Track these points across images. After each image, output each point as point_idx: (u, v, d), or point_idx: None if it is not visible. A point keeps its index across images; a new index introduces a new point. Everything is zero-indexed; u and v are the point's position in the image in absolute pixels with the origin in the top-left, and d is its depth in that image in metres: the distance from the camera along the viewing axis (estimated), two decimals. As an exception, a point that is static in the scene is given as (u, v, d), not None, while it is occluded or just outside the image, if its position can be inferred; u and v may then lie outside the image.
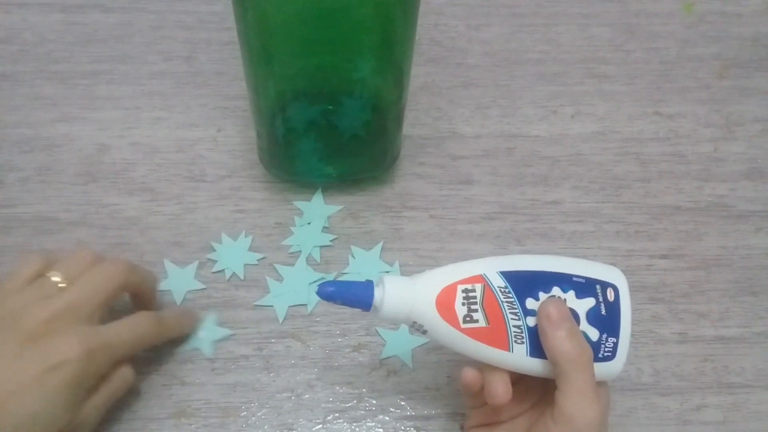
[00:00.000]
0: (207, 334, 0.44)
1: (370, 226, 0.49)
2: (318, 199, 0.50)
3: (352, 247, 0.48)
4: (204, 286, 0.46)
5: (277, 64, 0.41)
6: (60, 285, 0.37)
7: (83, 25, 0.58)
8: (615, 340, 0.36)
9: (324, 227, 0.49)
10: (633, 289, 0.47)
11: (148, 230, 0.48)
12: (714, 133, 0.55)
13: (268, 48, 0.40)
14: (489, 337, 0.34)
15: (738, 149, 0.54)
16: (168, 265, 0.47)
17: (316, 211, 0.49)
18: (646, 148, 0.54)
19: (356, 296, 0.35)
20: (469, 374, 0.35)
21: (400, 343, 0.44)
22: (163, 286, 0.46)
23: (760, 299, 0.47)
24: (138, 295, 0.42)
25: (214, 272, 0.47)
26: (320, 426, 0.42)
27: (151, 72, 0.56)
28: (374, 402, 0.43)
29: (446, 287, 0.35)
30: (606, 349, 0.35)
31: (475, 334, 0.34)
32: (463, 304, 0.34)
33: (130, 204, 0.49)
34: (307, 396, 0.43)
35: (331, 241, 0.48)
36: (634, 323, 0.46)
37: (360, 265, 0.47)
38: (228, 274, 0.47)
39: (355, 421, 0.42)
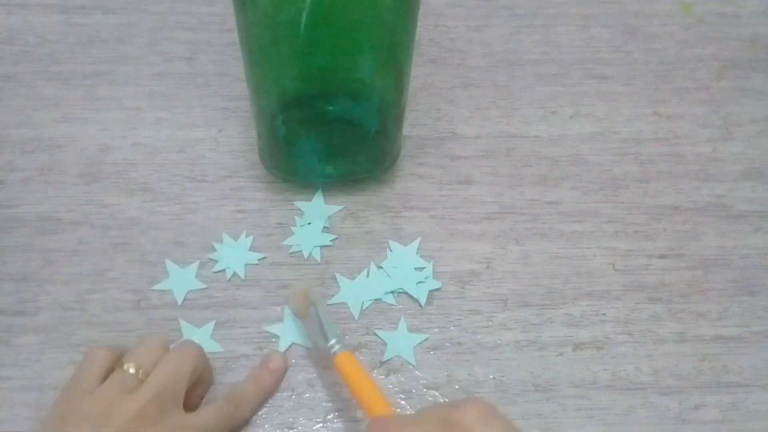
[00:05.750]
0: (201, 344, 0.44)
1: (370, 226, 0.49)
2: (318, 199, 0.50)
3: (390, 241, 0.48)
4: (205, 286, 0.46)
5: (277, 65, 0.41)
6: (138, 376, 0.37)
7: (85, 26, 0.58)
8: None
9: (324, 227, 0.49)
10: (632, 289, 0.47)
11: (150, 230, 0.48)
12: (712, 133, 0.55)
13: (269, 49, 0.40)
14: None
15: (736, 150, 0.55)
16: (169, 264, 0.47)
17: (317, 211, 0.50)
18: (644, 149, 0.54)
19: None
20: None
21: (400, 343, 0.45)
22: (164, 285, 0.46)
23: (758, 299, 0.48)
24: (196, 383, 0.40)
25: (215, 272, 0.47)
26: (321, 425, 0.42)
27: (152, 73, 0.56)
28: (374, 401, 0.43)
29: None
30: None
31: None
32: None
33: (132, 204, 0.49)
34: (307, 395, 0.43)
35: (331, 241, 0.48)
36: (632, 322, 0.46)
37: (397, 259, 0.47)
38: (229, 273, 0.47)
39: (355, 421, 0.42)
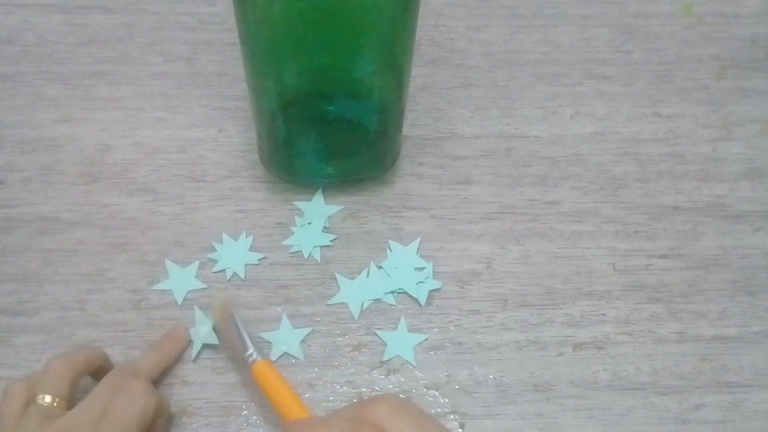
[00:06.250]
0: (204, 334, 0.44)
1: (371, 226, 0.49)
2: (318, 199, 0.50)
3: (390, 241, 0.48)
4: (205, 286, 0.46)
5: (277, 65, 0.41)
6: (55, 404, 0.37)
7: (85, 26, 0.58)
8: None
9: (324, 227, 0.49)
10: (632, 289, 0.47)
11: (150, 230, 0.48)
12: (712, 133, 0.55)
13: (269, 49, 0.40)
14: None
15: (736, 150, 0.55)
16: (169, 264, 0.47)
17: (317, 211, 0.50)
18: (644, 149, 0.54)
19: None
20: None
21: (400, 343, 0.45)
22: (164, 285, 0.46)
23: (758, 299, 0.48)
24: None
25: (215, 272, 0.47)
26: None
27: (152, 73, 0.56)
28: (374, 401, 0.43)
29: None
30: None
31: None
32: None
33: (132, 204, 0.49)
34: (307, 395, 0.43)
35: (331, 241, 0.48)
36: (632, 323, 0.46)
37: (397, 259, 0.48)
38: (229, 273, 0.47)
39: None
